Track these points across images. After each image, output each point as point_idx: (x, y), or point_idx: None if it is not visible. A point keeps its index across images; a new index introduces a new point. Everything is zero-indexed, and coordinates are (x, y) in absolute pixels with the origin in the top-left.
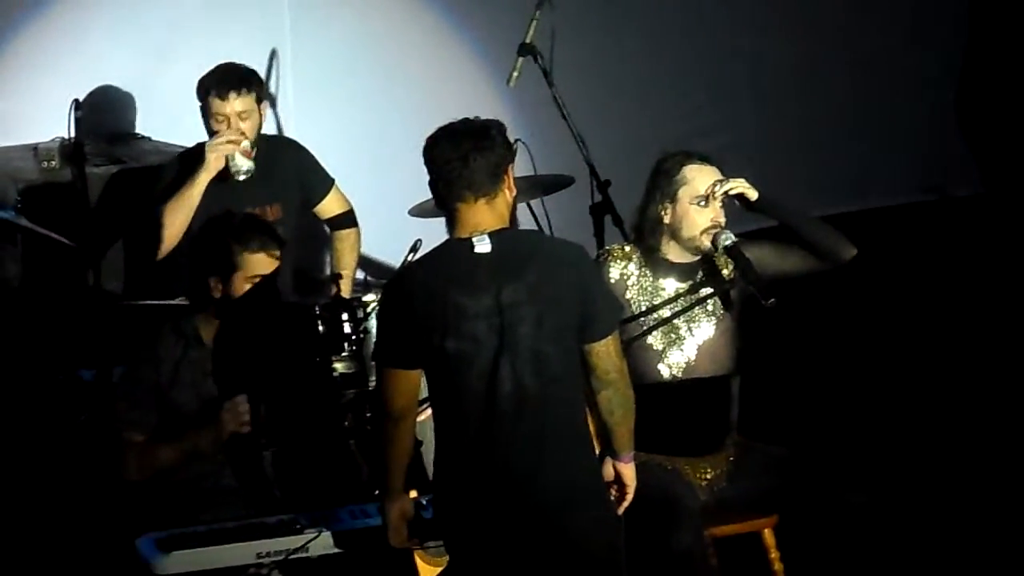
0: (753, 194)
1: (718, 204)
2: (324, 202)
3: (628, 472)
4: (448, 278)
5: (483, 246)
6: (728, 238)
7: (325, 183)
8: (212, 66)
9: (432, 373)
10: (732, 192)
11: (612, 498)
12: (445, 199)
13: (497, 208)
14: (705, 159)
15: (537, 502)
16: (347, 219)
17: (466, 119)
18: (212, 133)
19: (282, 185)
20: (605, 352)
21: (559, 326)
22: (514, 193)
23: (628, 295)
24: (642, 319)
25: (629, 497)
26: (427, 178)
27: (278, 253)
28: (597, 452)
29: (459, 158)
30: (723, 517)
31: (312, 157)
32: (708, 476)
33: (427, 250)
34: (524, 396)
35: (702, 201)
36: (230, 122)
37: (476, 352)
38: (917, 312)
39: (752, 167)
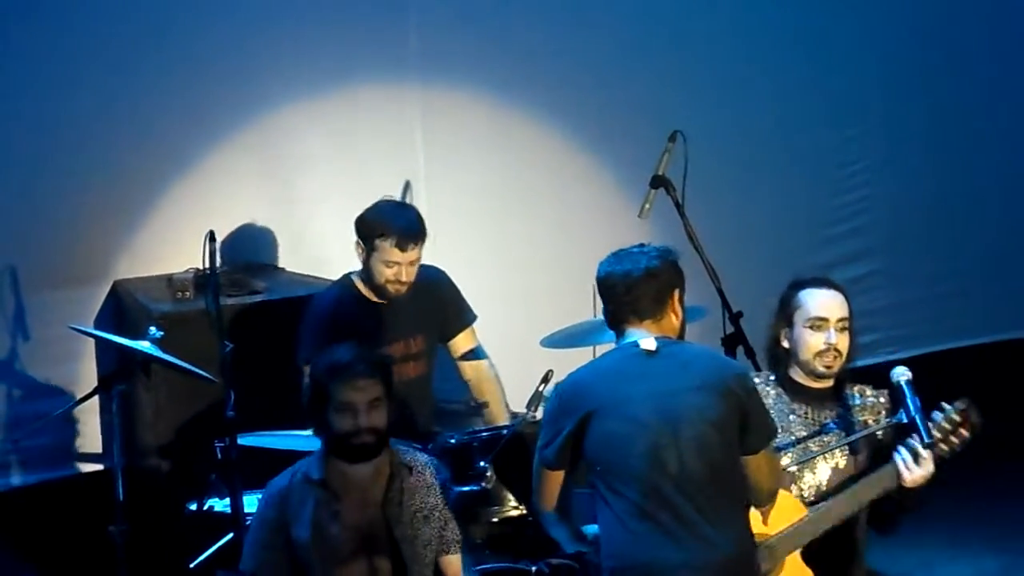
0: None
1: (832, 328)
2: (457, 338)
3: None
4: (614, 372)
5: (648, 344)
6: (903, 373)
7: (463, 320)
8: (345, 198)
9: (595, 457)
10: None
11: None
12: (614, 321)
13: (664, 327)
14: (826, 283)
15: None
16: (474, 354)
17: (641, 244)
18: (368, 269)
19: (426, 318)
20: (756, 467)
21: (723, 418)
22: (680, 317)
23: None
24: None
25: None
26: (558, 309)
27: (363, 383)
28: None
29: (624, 285)
30: None
31: (456, 290)
32: None
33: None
34: (689, 476)
35: (815, 324)
36: (402, 271)
37: (638, 434)
38: None
39: (887, 298)
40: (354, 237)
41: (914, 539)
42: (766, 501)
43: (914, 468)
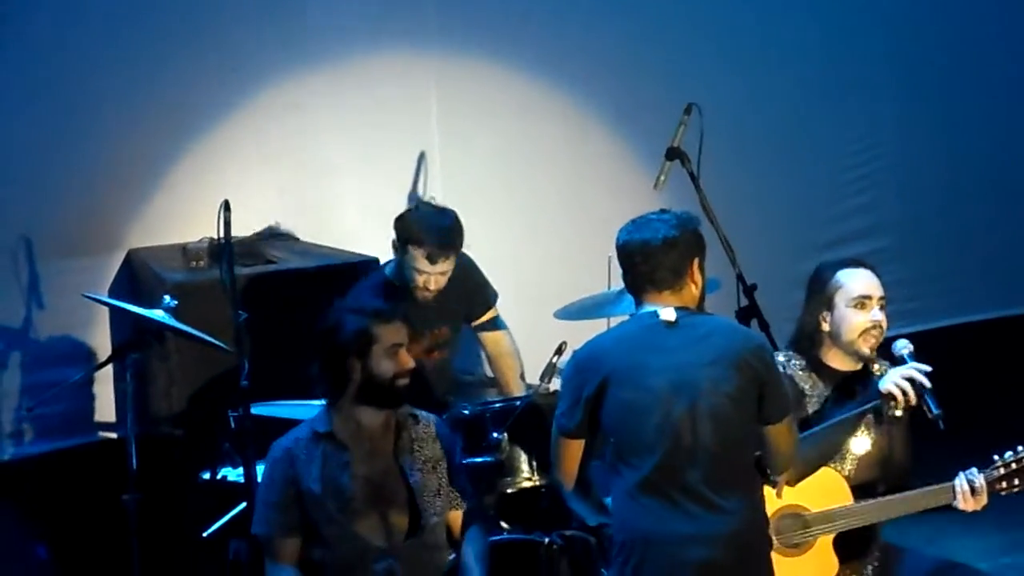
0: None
1: (875, 306)
2: (482, 319)
3: None
4: (632, 341)
5: (668, 315)
6: (905, 346)
7: (486, 304)
8: (360, 167)
9: (610, 427)
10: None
11: None
12: (632, 290)
13: (683, 297)
14: (860, 263)
15: (711, 552)
16: (493, 324)
17: (662, 211)
18: (401, 270)
19: (452, 309)
20: (776, 433)
21: (739, 390)
22: (700, 285)
23: None
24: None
25: None
26: (572, 280)
27: (403, 327)
28: None
29: (642, 254)
30: None
31: (480, 276)
32: None
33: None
34: (702, 448)
35: (859, 303)
36: (431, 279)
37: (652, 405)
38: None
39: (898, 273)
40: (392, 234)
41: (923, 514)
42: (784, 468)
43: (968, 498)
